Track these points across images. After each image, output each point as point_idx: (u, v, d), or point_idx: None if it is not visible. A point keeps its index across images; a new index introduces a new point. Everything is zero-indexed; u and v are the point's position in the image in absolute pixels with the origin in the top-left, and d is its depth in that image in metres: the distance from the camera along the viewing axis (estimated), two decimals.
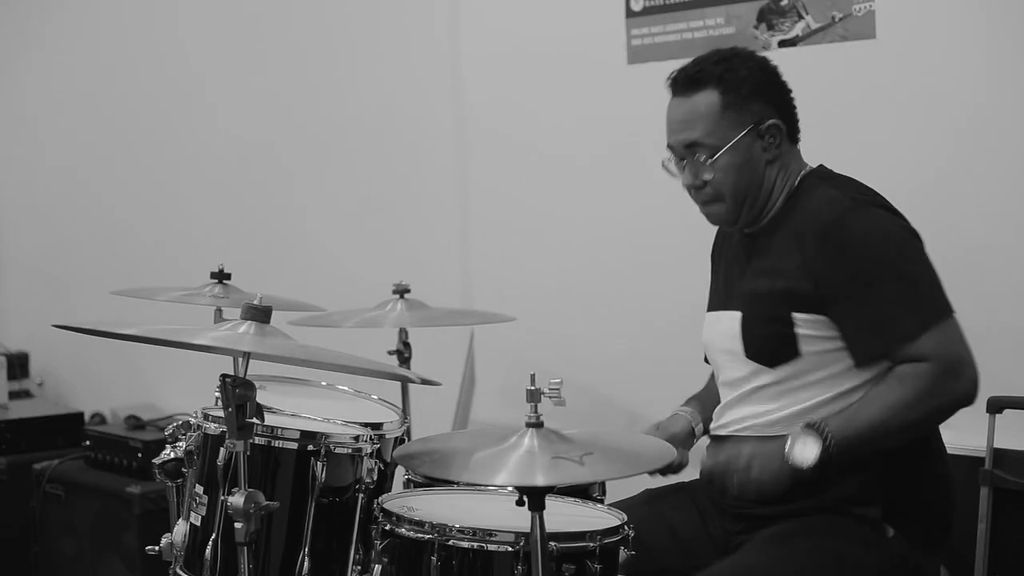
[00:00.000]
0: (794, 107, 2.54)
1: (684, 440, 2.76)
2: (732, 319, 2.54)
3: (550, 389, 2.08)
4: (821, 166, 2.56)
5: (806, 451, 2.33)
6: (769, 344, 2.47)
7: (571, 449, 2.00)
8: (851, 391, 2.43)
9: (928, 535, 2.49)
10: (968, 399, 2.38)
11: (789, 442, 2.34)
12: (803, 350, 2.43)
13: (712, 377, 2.82)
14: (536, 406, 2.06)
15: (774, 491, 2.38)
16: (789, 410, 2.46)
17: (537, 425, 2.05)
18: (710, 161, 2.47)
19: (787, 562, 2.39)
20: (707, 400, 2.76)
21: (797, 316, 2.42)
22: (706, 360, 2.75)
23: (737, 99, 2.46)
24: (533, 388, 2.07)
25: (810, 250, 2.40)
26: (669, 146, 2.55)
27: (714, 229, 2.83)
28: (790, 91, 2.54)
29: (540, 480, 1.95)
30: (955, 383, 2.35)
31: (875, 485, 2.44)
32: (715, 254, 2.76)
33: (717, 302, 2.65)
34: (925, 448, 2.51)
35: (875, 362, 2.39)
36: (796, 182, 2.52)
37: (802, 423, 2.37)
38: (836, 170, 2.58)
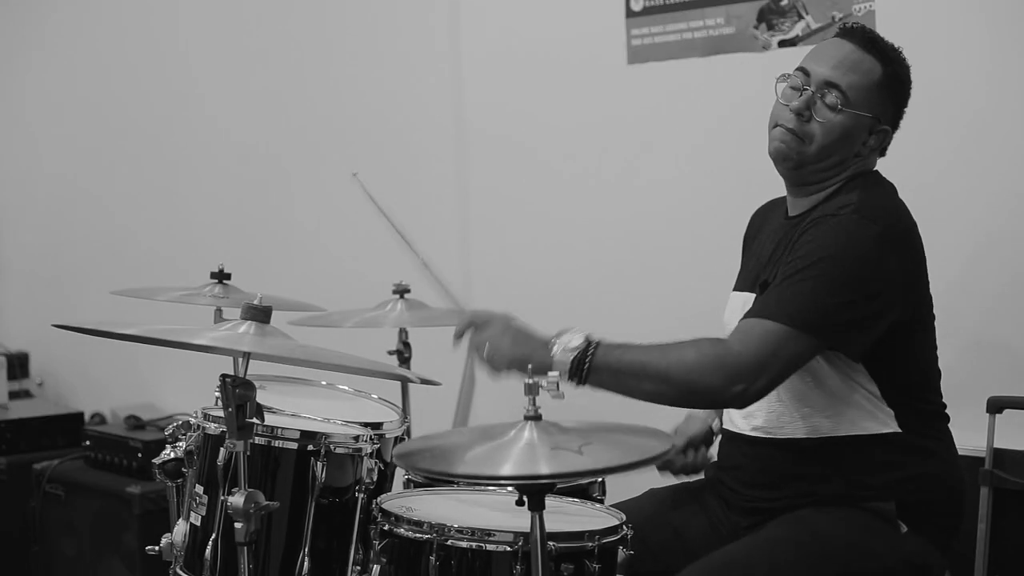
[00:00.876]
0: (902, 117, 2.54)
1: (704, 440, 2.77)
2: (745, 300, 2.52)
3: (548, 383, 2.08)
4: (874, 170, 2.54)
5: (569, 339, 2.32)
6: None
7: (570, 440, 2.00)
8: (835, 389, 2.42)
9: (939, 534, 2.50)
10: (732, 399, 2.33)
11: (560, 330, 2.34)
12: None
13: None
14: (534, 399, 2.05)
15: (513, 362, 2.36)
16: (788, 411, 2.46)
17: (535, 418, 2.04)
18: (836, 106, 2.43)
19: (793, 544, 2.39)
20: None
21: None
22: None
23: (888, 88, 2.47)
24: (531, 381, 2.07)
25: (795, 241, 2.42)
26: (802, 69, 2.49)
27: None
28: (906, 107, 2.54)
29: (541, 469, 1.94)
30: (724, 376, 2.27)
31: (891, 482, 2.43)
32: (749, 237, 2.74)
33: (743, 283, 2.63)
34: (939, 447, 2.51)
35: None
36: (845, 179, 2.50)
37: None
38: None
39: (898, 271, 2.37)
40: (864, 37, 2.49)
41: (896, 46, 2.52)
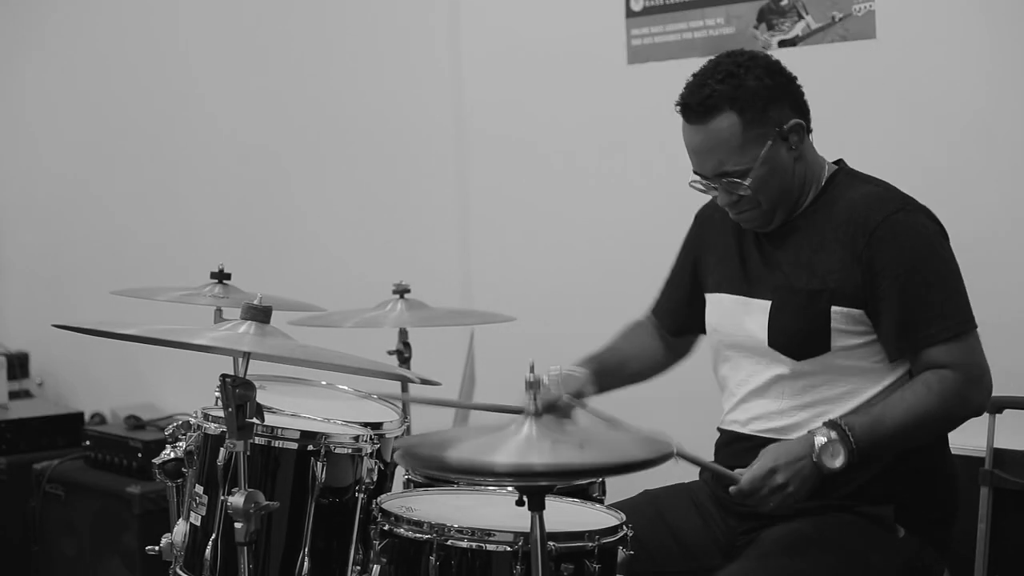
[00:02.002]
0: (804, 98, 2.52)
1: (564, 409, 2.67)
2: (757, 308, 2.52)
3: (549, 378, 2.07)
4: (841, 161, 2.57)
5: (834, 457, 2.33)
6: (800, 336, 2.46)
7: (570, 436, 1.99)
8: (871, 391, 2.44)
9: (937, 535, 2.50)
10: (982, 409, 2.45)
11: (816, 447, 2.33)
12: (834, 344, 2.44)
13: (622, 336, 2.86)
14: (535, 395, 2.05)
15: (805, 497, 2.37)
16: (805, 411, 2.46)
17: (536, 415, 2.03)
18: (744, 182, 2.44)
19: (798, 563, 2.39)
20: (605, 361, 2.76)
21: (836, 309, 2.43)
22: (655, 313, 2.82)
23: (755, 114, 2.43)
24: (532, 378, 2.06)
25: (859, 245, 2.41)
26: (696, 172, 2.52)
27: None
28: (798, 82, 2.52)
29: (536, 459, 1.93)
30: (976, 393, 2.40)
31: (887, 484, 2.44)
32: (702, 232, 2.74)
33: (728, 286, 2.62)
34: (933, 447, 2.51)
35: (903, 357, 2.42)
36: (824, 176, 2.52)
37: (825, 421, 2.36)
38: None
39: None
40: (700, 107, 2.45)
41: (728, 62, 2.47)
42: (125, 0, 5.04)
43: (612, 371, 2.76)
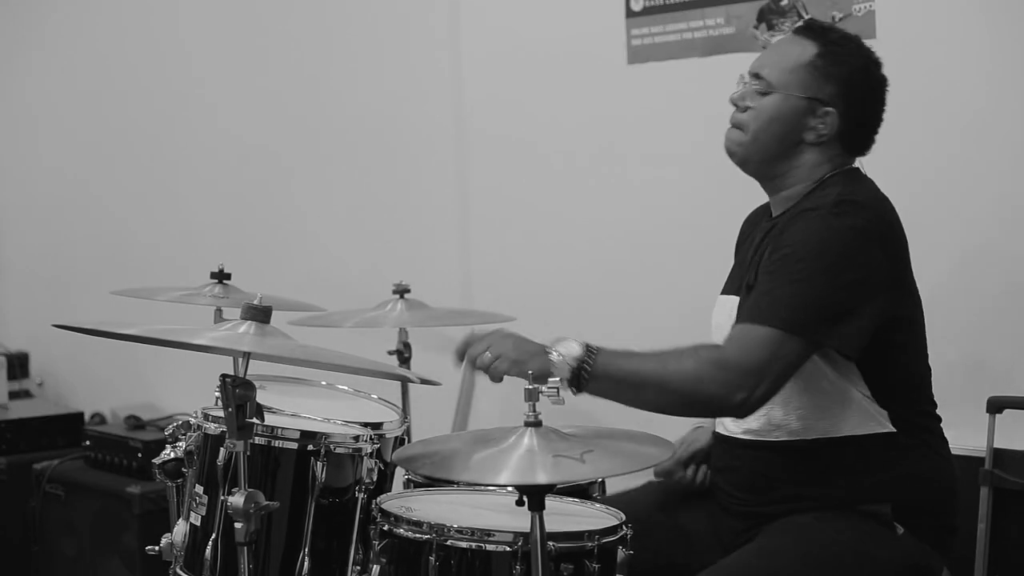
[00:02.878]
0: (869, 124, 2.50)
1: (705, 456, 2.71)
2: (733, 304, 2.52)
3: (548, 388, 2.08)
4: (853, 167, 2.53)
5: (567, 347, 2.31)
6: None
7: (571, 447, 2.00)
8: (828, 390, 2.41)
9: (936, 534, 2.49)
10: (734, 408, 2.32)
11: (558, 337, 2.32)
12: None
13: None
14: (534, 405, 2.06)
15: (517, 368, 2.33)
16: (783, 407, 2.44)
17: (536, 424, 2.05)
18: (762, 91, 2.46)
19: (796, 558, 2.38)
20: None
21: None
22: None
23: (823, 68, 2.44)
24: (531, 387, 2.07)
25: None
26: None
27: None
28: (877, 112, 2.51)
29: (542, 478, 1.95)
30: (724, 385, 2.27)
31: (886, 482, 2.43)
32: (741, 237, 2.74)
33: (729, 286, 2.63)
34: (932, 446, 2.51)
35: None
36: (824, 178, 2.49)
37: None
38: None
39: (883, 262, 2.37)
40: (806, 27, 2.53)
41: (849, 34, 2.51)
42: (125, 0, 5.04)
43: None
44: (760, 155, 2.50)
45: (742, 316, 2.35)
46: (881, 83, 2.52)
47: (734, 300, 2.53)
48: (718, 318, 2.62)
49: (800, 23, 2.58)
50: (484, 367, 2.39)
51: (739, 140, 2.51)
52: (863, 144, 2.53)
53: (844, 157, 2.51)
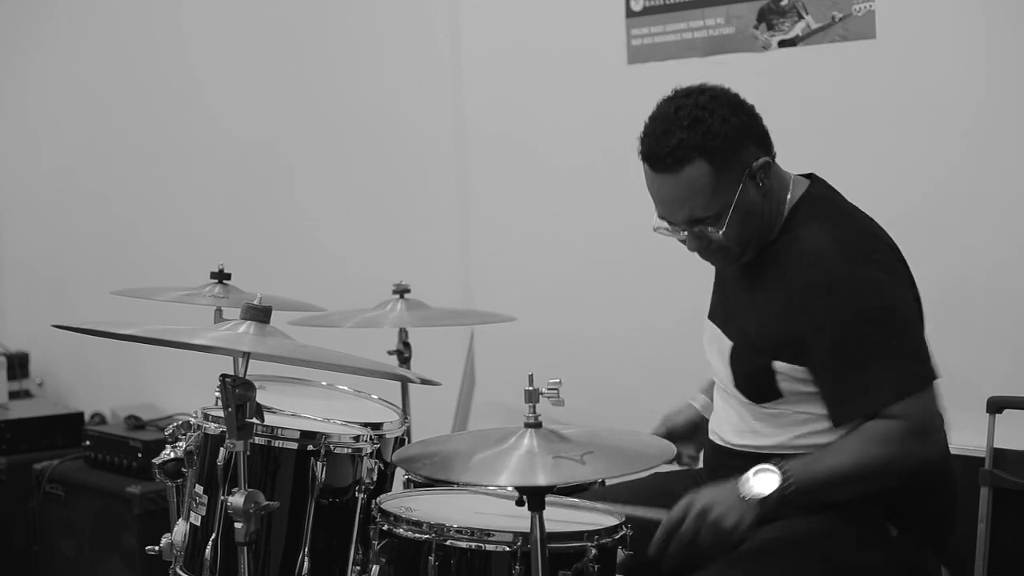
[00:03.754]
0: (763, 124, 2.45)
1: (683, 434, 2.75)
2: (725, 347, 2.52)
3: (548, 389, 2.08)
4: (812, 182, 2.49)
5: (762, 484, 2.29)
6: (753, 383, 2.45)
7: (571, 448, 2.01)
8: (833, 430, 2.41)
9: (931, 535, 2.49)
10: (934, 461, 2.37)
11: (744, 477, 2.31)
12: (784, 391, 2.41)
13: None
14: (534, 406, 2.06)
15: (738, 532, 2.31)
16: (777, 439, 2.45)
17: (536, 425, 2.05)
18: (717, 229, 2.39)
19: (789, 562, 2.38)
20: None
21: (777, 364, 2.40)
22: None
23: (726, 159, 2.36)
24: (531, 388, 2.07)
25: (795, 302, 2.36)
26: (663, 218, 2.46)
27: None
28: (755, 111, 2.44)
29: (542, 480, 1.95)
30: (922, 447, 2.32)
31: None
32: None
33: (717, 316, 2.62)
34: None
35: (845, 423, 2.35)
36: (788, 207, 2.45)
37: (761, 464, 2.33)
38: (835, 171, 2.57)
39: (906, 280, 2.42)
40: (669, 158, 2.38)
41: (689, 104, 2.39)
42: (125, 0, 5.04)
43: None
44: (754, 243, 2.45)
45: (880, 404, 2.31)
46: (735, 97, 2.43)
47: (722, 338, 2.53)
48: (708, 347, 2.62)
49: (647, 154, 2.43)
50: (708, 545, 2.34)
51: (728, 258, 2.47)
52: (772, 144, 2.47)
53: (777, 167, 2.46)
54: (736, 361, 2.49)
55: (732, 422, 2.53)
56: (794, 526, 2.42)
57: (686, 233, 2.43)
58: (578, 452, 1.98)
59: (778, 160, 2.49)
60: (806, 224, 2.42)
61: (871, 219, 2.47)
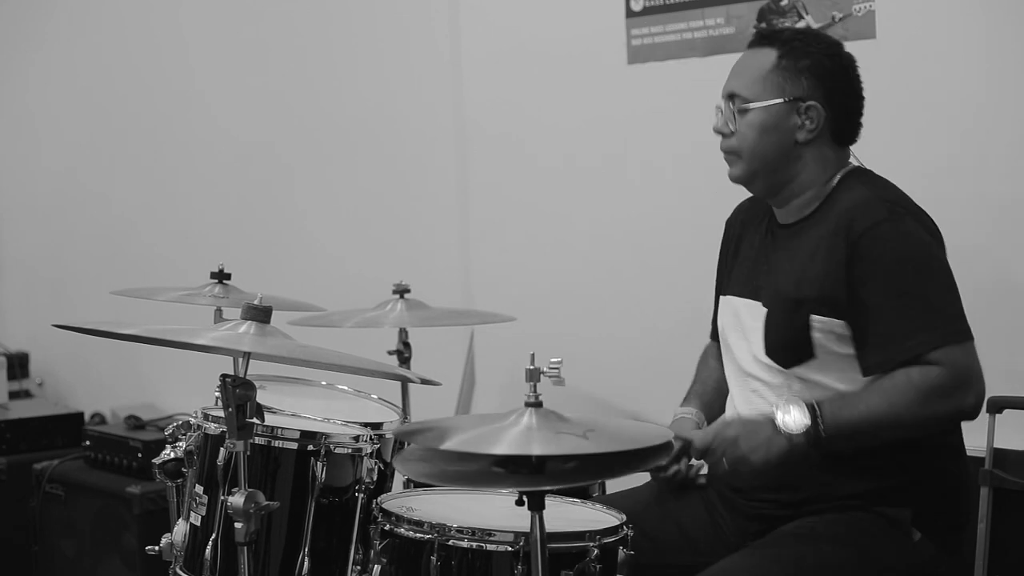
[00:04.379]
0: (852, 108, 2.51)
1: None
2: (757, 313, 2.52)
3: (550, 367, 2.07)
4: (861, 166, 2.55)
5: (794, 419, 2.31)
6: (787, 345, 2.45)
7: (572, 427, 1.99)
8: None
9: (950, 538, 2.49)
10: (969, 413, 2.37)
11: (776, 412, 2.32)
12: (818, 352, 2.42)
13: (704, 365, 2.81)
14: (535, 386, 2.04)
15: (766, 466, 2.33)
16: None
17: (536, 405, 2.03)
18: (740, 112, 2.47)
19: (808, 557, 2.38)
20: (706, 394, 2.74)
21: (816, 319, 2.40)
22: (713, 338, 2.76)
23: (791, 67, 2.46)
24: (532, 367, 2.06)
25: (840, 254, 2.38)
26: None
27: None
28: (856, 93, 2.52)
29: (537, 449, 1.92)
30: (962, 394, 2.32)
31: (906, 486, 2.42)
32: (731, 233, 2.73)
33: (739, 288, 2.61)
34: (950, 449, 2.50)
35: (881, 372, 2.35)
36: (836, 180, 2.50)
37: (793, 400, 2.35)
38: None
39: (944, 249, 2.47)
40: (759, 35, 2.57)
41: (802, 28, 2.59)
42: (125, 0, 5.04)
43: (715, 396, 2.73)
44: (763, 170, 2.50)
45: (915, 352, 2.32)
46: (851, 63, 2.53)
47: (749, 304, 2.53)
48: (728, 321, 2.62)
49: (753, 35, 2.58)
50: (728, 474, 2.39)
51: (736, 169, 2.53)
52: (852, 131, 2.53)
53: (839, 152, 2.51)
54: (771, 325, 2.48)
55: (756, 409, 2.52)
56: (817, 523, 2.42)
57: (721, 104, 2.52)
58: (580, 429, 1.97)
59: None
60: (849, 189, 2.47)
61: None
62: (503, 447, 1.94)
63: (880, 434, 2.35)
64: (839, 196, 2.47)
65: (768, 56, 2.47)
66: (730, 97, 2.50)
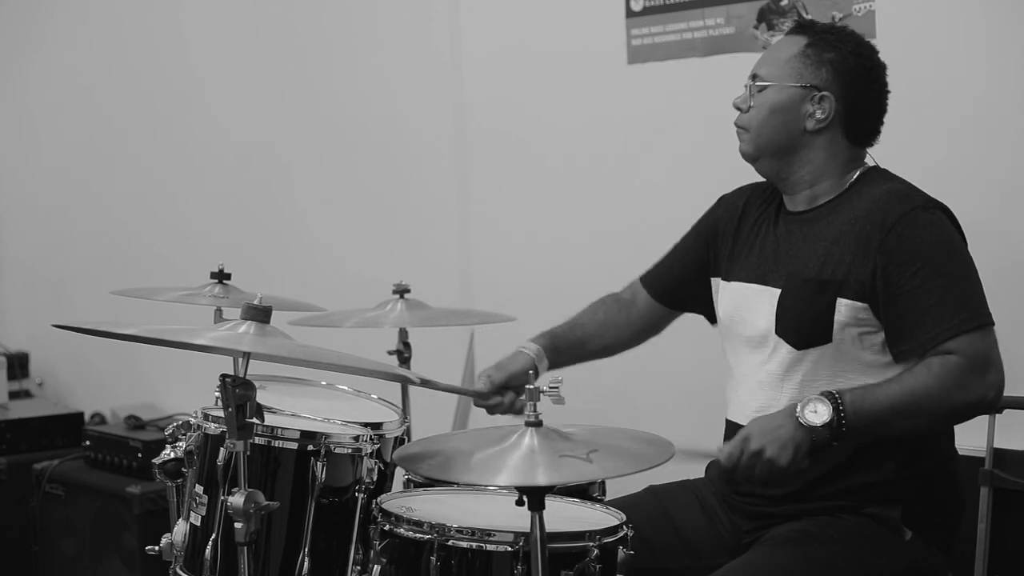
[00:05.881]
0: (869, 110, 2.54)
1: (522, 380, 2.70)
2: (767, 296, 2.52)
3: (549, 388, 2.08)
4: (879, 166, 2.58)
5: (817, 412, 2.31)
6: (804, 325, 2.45)
7: (573, 447, 2.00)
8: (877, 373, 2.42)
9: (942, 536, 2.49)
10: (989, 404, 2.37)
11: (799, 407, 2.32)
12: (836, 336, 2.43)
13: (590, 310, 2.88)
14: (535, 405, 2.05)
15: (796, 464, 2.32)
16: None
17: (536, 424, 2.05)
18: (758, 91, 2.53)
19: (802, 563, 2.38)
20: (562, 337, 2.81)
21: (841, 301, 2.42)
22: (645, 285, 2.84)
23: (815, 56, 2.51)
24: (532, 387, 2.07)
25: (874, 240, 2.40)
26: None
27: None
28: (874, 96, 2.55)
29: (542, 480, 1.94)
30: (980, 382, 2.33)
31: (895, 484, 2.43)
32: (731, 213, 2.73)
33: (745, 274, 2.62)
34: (943, 449, 2.51)
35: (915, 358, 2.37)
36: (855, 176, 2.53)
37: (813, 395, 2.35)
38: None
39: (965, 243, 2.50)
40: (797, 24, 2.66)
41: (840, 26, 2.61)
42: (125, 0, 5.04)
43: (570, 347, 2.81)
44: (768, 149, 2.54)
45: (940, 338, 2.34)
46: (877, 67, 2.55)
47: (756, 290, 2.54)
48: (731, 307, 2.62)
49: (792, 24, 2.64)
50: (763, 482, 2.37)
51: (743, 142, 2.58)
52: (868, 132, 2.55)
53: (853, 150, 2.54)
54: (785, 305, 2.48)
55: (759, 403, 2.52)
56: (810, 526, 2.42)
57: (746, 86, 2.58)
58: (583, 450, 1.97)
59: None
60: (874, 183, 2.51)
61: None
62: (506, 477, 1.96)
63: (899, 425, 2.35)
64: (862, 189, 2.50)
65: (797, 43, 2.54)
66: (753, 76, 2.56)
